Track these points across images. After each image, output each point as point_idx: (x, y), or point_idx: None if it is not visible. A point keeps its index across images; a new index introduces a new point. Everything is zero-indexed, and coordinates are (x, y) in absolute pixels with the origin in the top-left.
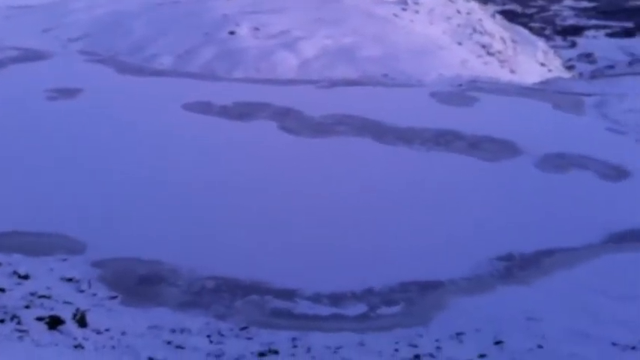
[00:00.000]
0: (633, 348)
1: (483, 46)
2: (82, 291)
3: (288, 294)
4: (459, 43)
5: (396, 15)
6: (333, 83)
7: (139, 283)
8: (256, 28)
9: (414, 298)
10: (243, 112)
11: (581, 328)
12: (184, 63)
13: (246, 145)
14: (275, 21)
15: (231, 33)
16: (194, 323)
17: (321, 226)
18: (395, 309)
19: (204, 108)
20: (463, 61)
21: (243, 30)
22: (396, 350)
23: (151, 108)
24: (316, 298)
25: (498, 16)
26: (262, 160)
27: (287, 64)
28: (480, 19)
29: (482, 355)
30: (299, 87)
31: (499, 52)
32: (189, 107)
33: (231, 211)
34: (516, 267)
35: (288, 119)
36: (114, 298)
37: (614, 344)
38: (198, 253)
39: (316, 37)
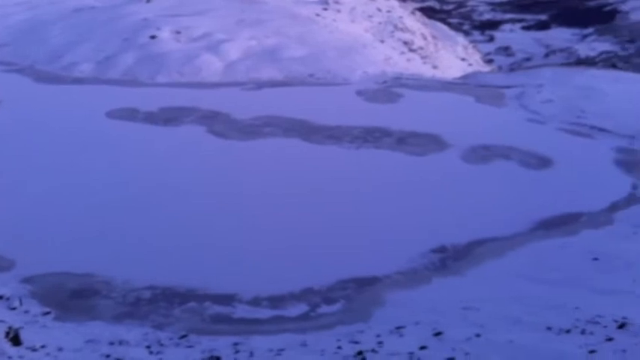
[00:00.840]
0: (568, 331)
1: (405, 43)
2: (13, 308)
3: (227, 299)
4: (382, 41)
5: (318, 15)
6: (260, 85)
7: (71, 298)
8: (178, 32)
9: (353, 295)
10: (169, 117)
11: (516, 314)
12: (105, 70)
13: (174, 150)
14: (197, 24)
15: (152, 37)
16: (132, 334)
17: (255, 229)
18: (335, 307)
19: (129, 115)
20: (387, 59)
21: (165, 34)
22: (339, 348)
23: (73, 117)
24: (255, 302)
25: (418, 13)
26: (192, 165)
27: (212, 67)
28: (401, 17)
29: (422, 347)
30: (225, 90)
31: (421, 48)
32: (114, 115)
33: (162, 218)
34: (450, 258)
35: (216, 123)
36: (47, 314)
37: (548, 329)
38: (131, 264)
39: (240, 38)
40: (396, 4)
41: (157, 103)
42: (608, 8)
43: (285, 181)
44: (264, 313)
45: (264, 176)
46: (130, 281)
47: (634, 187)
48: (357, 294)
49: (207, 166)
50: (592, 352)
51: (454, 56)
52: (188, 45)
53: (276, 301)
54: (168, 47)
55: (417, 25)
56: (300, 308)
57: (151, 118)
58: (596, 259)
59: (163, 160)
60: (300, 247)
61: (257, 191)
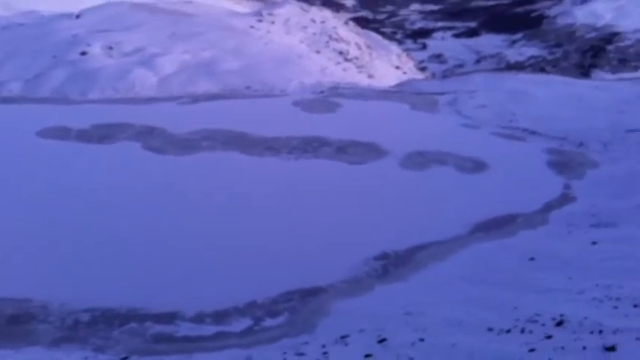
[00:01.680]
0: (508, 331)
1: (340, 53)
2: None
3: (169, 317)
4: (317, 51)
5: (252, 27)
6: (196, 98)
7: (8, 324)
8: (110, 47)
9: (298, 307)
10: (103, 134)
11: (459, 317)
12: (34, 88)
13: (110, 168)
14: (129, 38)
15: (83, 53)
16: (72, 359)
17: (197, 244)
18: (280, 319)
19: (60, 133)
20: (323, 69)
21: (96, 49)
22: None
23: (1, 138)
24: (199, 318)
25: (352, 23)
26: (128, 183)
27: (145, 81)
28: (335, 27)
29: (367, 355)
30: (160, 104)
31: (356, 57)
32: (45, 134)
33: (99, 238)
34: (392, 265)
35: (152, 138)
36: None
37: (490, 329)
38: (69, 286)
39: (174, 52)
40: (330, 14)
41: (89, 120)
42: (535, 14)
43: (225, 195)
44: (208, 329)
45: (204, 191)
46: (68, 304)
47: (566, 187)
48: (301, 305)
49: (144, 183)
50: (532, 350)
51: (389, 65)
52: (120, 60)
53: (220, 316)
54: (99, 63)
55: (351, 35)
56: (245, 323)
57: (84, 136)
58: (533, 258)
59: (98, 179)
60: (243, 261)
61: (197, 206)
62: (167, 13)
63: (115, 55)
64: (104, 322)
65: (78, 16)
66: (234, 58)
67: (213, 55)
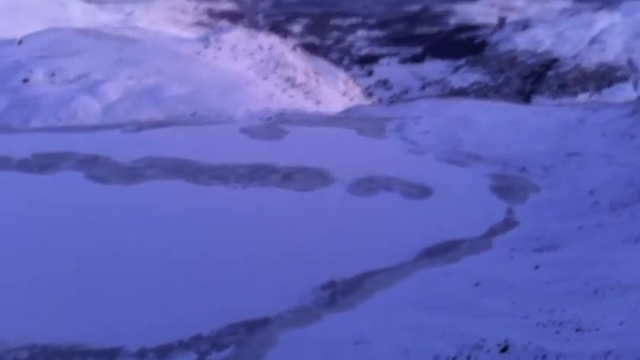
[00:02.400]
0: (454, 359)
1: (288, 79)
2: None
3: (111, 353)
4: (265, 78)
5: (199, 53)
6: (141, 126)
7: None
8: (53, 74)
9: (244, 339)
10: (45, 163)
11: (406, 344)
12: None
13: (51, 199)
14: (72, 65)
15: (25, 80)
16: None
17: (140, 277)
18: (225, 352)
19: (0, 163)
20: (270, 95)
21: (38, 76)
22: None
23: None
24: (142, 354)
25: (299, 50)
26: (70, 214)
27: (89, 109)
28: (283, 53)
29: None
30: (104, 132)
31: (303, 84)
32: None
33: (40, 272)
34: (340, 293)
35: (96, 167)
36: None
37: (436, 357)
38: (7, 323)
39: (118, 79)
40: (278, 40)
41: (31, 149)
42: (478, 40)
43: (170, 225)
44: None
45: (149, 221)
46: (6, 341)
47: (509, 211)
48: (248, 337)
49: (86, 215)
50: None
51: (336, 91)
52: (63, 87)
53: (164, 351)
54: (42, 90)
55: (298, 61)
56: (190, 357)
57: (24, 165)
58: (478, 284)
59: (39, 210)
60: (188, 292)
61: (140, 237)
62: (112, 39)
63: (58, 82)
64: (44, 359)
65: (20, 42)
66: (180, 85)
67: (158, 81)
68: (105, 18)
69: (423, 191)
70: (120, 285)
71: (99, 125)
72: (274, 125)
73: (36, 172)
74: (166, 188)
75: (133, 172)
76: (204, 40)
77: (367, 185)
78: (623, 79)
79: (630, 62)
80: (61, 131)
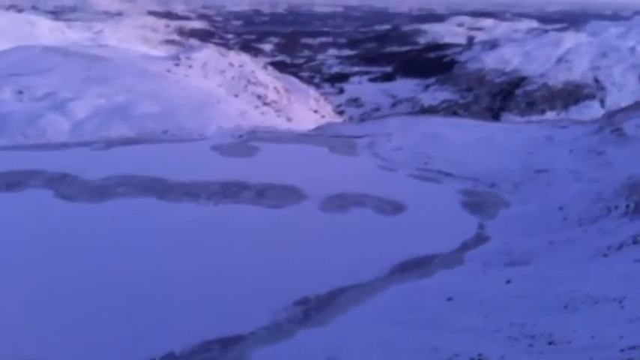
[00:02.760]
0: None
1: (259, 97)
2: None
3: None
4: (236, 95)
5: (169, 70)
6: (110, 143)
7: None
8: (20, 92)
9: (217, 356)
10: (12, 182)
11: None
12: None
13: (18, 218)
14: (41, 82)
15: None
16: None
17: (110, 295)
18: None
19: None
20: (241, 113)
21: (6, 94)
22: None
23: None
24: None
25: (270, 68)
26: (37, 233)
27: (58, 127)
28: (253, 71)
29: None
30: (73, 150)
31: (274, 101)
32: None
33: (4, 290)
34: (313, 309)
35: (64, 185)
36: None
37: None
38: None
39: (87, 96)
40: (248, 59)
41: None
42: (447, 59)
43: (141, 243)
44: None
45: (118, 239)
46: None
47: (480, 227)
48: (221, 354)
49: (54, 233)
50: None
51: (307, 108)
52: (31, 105)
53: None
54: (9, 108)
55: (269, 79)
56: None
57: None
58: (450, 299)
59: (6, 228)
60: (161, 310)
61: (110, 254)
62: (81, 57)
63: (26, 100)
64: None
65: None
66: (151, 102)
67: (128, 98)
68: (73, 36)
69: (395, 207)
70: (89, 303)
71: (67, 143)
72: (246, 142)
73: (3, 191)
74: (136, 206)
75: (102, 190)
76: (175, 58)
77: (339, 202)
78: (590, 96)
79: (596, 80)
80: (29, 149)
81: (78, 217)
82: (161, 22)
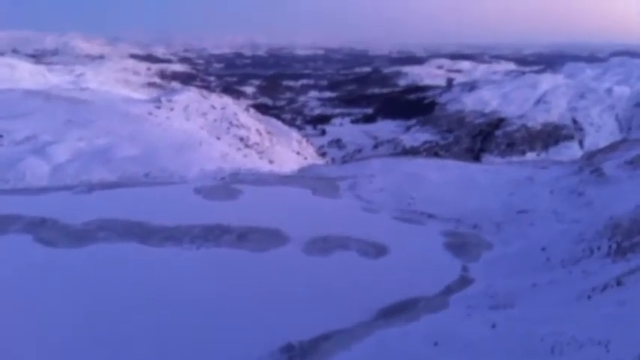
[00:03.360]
0: None
1: (241, 139)
2: None
3: None
4: (218, 138)
5: (151, 113)
6: (91, 187)
7: None
8: (0, 136)
9: None
10: None
11: None
12: None
13: None
14: (21, 126)
15: None
16: None
17: (87, 343)
18: None
19: None
20: (224, 155)
21: None
22: None
23: None
24: None
25: (252, 110)
26: (16, 279)
27: (38, 171)
28: (235, 114)
29: None
30: (53, 194)
31: (257, 143)
32: None
33: None
34: (297, 356)
35: (44, 230)
36: None
37: None
38: None
39: (68, 140)
40: (230, 101)
41: None
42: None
43: (122, 290)
44: None
45: (100, 284)
46: None
47: (464, 269)
48: None
49: (34, 279)
50: None
51: (289, 150)
52: (11, 149)
53: None
54: None
55: (251, 121)
56: None
57: None
58: (436, 343)
59: None
60: (143, 358)
61: (90, 301)
62: (62, 100)
63: (6, 144)
64: None
65: None
66: (132, 145)
67: (109, 142)
68: (55, 79)
69: (378, 250)
70: (71, 349)
71: (48, 187)
72: (228, 185)
73: None
74: (118, 250)
75: (83, 235)
76: (157, 101)
77: (322, 244)
78: (569, 137)
79: (575, 121)
80: (8, 194)
81: (58, 263)
82: (143, 65)
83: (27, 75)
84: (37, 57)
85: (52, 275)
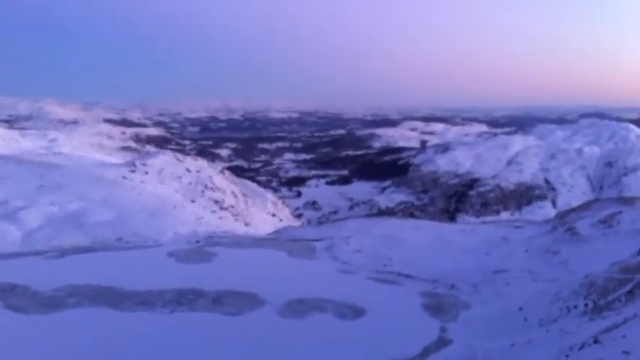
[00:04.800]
0: None
1: (216, 202)
2: None
3: None
4: (193, 201)
5: (125, 177)
6: (63, 252)
7: None
8: None
9: None
10: None
11: None
12: None
13: None
14: None
15: None
16: None
17: None
18: None
19: None
20: (198, 218)
21: None
22: None
23: None
24: None
25: (227, 172)
26: None
27: (8, 236)
28: (210, 176)
29: None
30: (24, 259)
31: (232, 206)
32: None
33: None
34: None
35: (14, 296)
36: None
37: None
38: None
39: (40, 205)
40: (205, 164)
41: None
42: (402, 162)
43: (92, 357)
44: None
45: (69, 351)
46: None
47: (442, 329)
48: None
49: (2, 346)
50: None
51: (265, 212)
52: None
53: None
54: None
55: (226, 183)
56: None
57: None
58: None
59: None
60: None
61: None
62: (34, 165)
63: None
64: None
65: None
66: (105, 210)
67: (82, 206)
68: (28, 144)
69: (355, 311)
70: None
71: (18, 252)
72: (202, 248)
73: None
74: (88, 316)
75: (53, 301)
76: (131, 165)
77: (299, 307)
78: (542, 197)
79: (547, 181)
80: None
81: (28, 329)
82: (117, 130)
83: None
84: (11, 122)
85: (21, 342)
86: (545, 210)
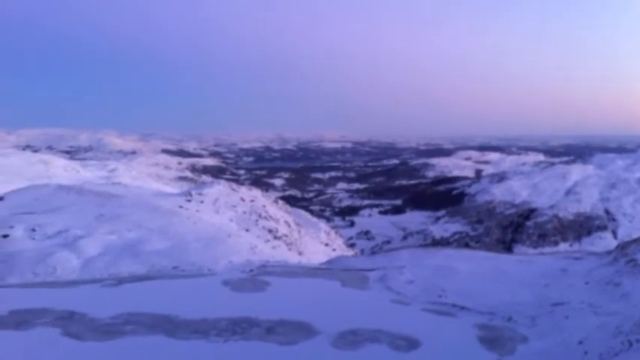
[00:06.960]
0: None
1: (270, 231)
2: None
3: None
4: (247, 230)
5: (181, 206)
6: (120, 280)
7: None
8: (33, 229)
9: None
10: (20, 320)
11: None
12: None
13: (26, 357)
14: (53, 220)
15: (5, 236)
16: None
17: None
18: None
19: None
20: (252, 247)
21: (18, 232)
22: None
23: None
24: None
25: (281, 202)
26: None
27: (68, 264)
28: (264, 206)
29: None
30: (82, 287)
31: (285, 235)
32: None
33: None
34: None
35: (72, 323)
36: None
37: None
38: None
39: (98, 233)
40: (259, 193)
41: (7, 305)
42: (456, 192)
43: None
44: None
45: None
46: None
47: None
48: None
49: None
50: None
51: (318, 242)
52: (43, 243)
53: None
54: (21, 246)
55: (280, 213)
56: None
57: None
58: None
59: None
60: None
61: None
62: (94, 195)
63: (38, 238)
64: None
65: (1, 199)
66: (161, 239)
67: (139, 235)
68: (88, 175)
69: (410, 343)
70: None
71: (77, 280)
72: (256, 277)
73: (12, 329)
74: (145, 344)
75: (110, 328)
76: (187, 194)
77: (352, 338)
78: (602, 228)
79: (607, 212)
80: (38, 287)
81: (86, 356)
82: (174, 160)
83: (61, 171)
84: (72, 153)
85: None
86: (605, 241)
